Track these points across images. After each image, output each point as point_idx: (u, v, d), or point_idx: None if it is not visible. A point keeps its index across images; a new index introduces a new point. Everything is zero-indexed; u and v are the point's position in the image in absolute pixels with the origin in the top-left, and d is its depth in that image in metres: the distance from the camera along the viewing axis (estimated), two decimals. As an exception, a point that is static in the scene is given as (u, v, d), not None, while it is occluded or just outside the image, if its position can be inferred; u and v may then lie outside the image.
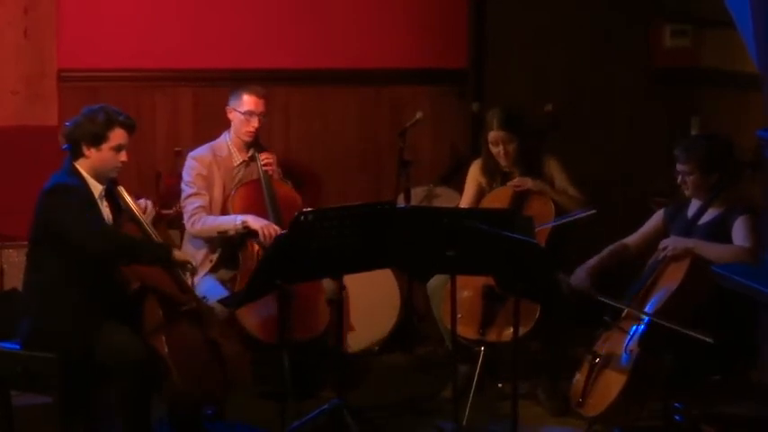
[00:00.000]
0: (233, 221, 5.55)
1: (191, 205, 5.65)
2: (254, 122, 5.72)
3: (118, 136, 4.78)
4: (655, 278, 4.94)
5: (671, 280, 4.85)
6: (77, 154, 4.77)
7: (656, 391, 4.81)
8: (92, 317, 4.69)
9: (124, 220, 4.89)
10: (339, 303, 5.28)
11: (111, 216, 4.86)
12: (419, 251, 4.90)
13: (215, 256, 5.67)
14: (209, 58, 6.48)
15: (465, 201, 5.83)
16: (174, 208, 5.87)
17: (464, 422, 5.27)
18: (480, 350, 5.46)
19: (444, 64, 6.80)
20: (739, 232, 4.88)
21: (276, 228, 5.48)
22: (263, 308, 5.32)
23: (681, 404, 4.82)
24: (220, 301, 5.05)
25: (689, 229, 5.01)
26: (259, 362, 5.27)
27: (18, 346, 4.71)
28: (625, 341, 4.83)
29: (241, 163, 5.80)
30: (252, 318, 5.39)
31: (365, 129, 6.74)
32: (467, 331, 5.37)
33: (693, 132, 6.54)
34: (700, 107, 6.76)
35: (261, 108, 5.72)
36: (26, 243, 4.84)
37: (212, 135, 5.87)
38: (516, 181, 5.62)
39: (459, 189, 6.03)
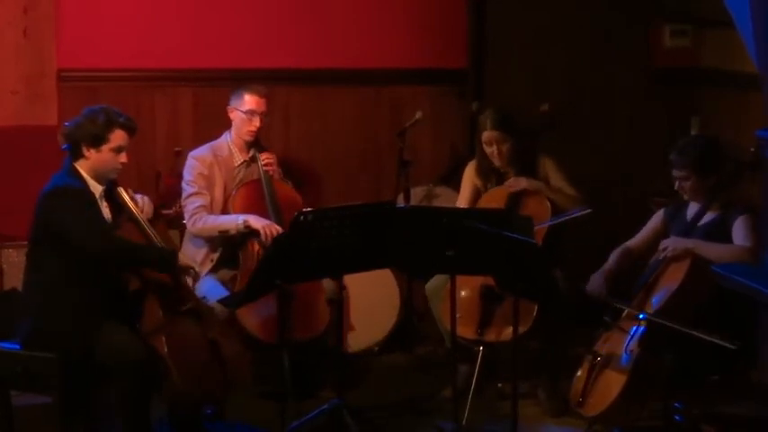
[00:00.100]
0: (235, 221, 5.55)
1: (192, 204, 5.65)
2: (256, 122, 5.72)
3: (118, 137, 4.78)
4: (655, 278, 4.94)
5: (671, 280, 4.85)
6: (77, 155, 4.77)
7: (657, 392, 4.81)
8: (92, 317, 4.69)
9: (123, 220, 4.89)
10: (339, 303, 5.28)
11: (110, 217, 4.86)
12: (419, 251, 4.90)
13: (215, 256, 5.67)
14: (209, 58, 6.48)
15: (461, 202, 5.82)
16: (174, 208, 5.88)
17: (464, 422, 5.27)
18: (479, 350, 5.46)
19: (444, 64, 6.80)
20: (739, 232, 4.87)
21: (278, 228, 5.48)
22: (263, 308, 5.32)
23: (681, 404, 4.82)
24: (220, 301, 5.04)
25: (688, 230, 5.01)
26: (259, 362, 5.27)
27: (18, 346, 4.71)
28: (625, 341, 4.83)
29: (242, 163, 5.80)
30: (252, 318, 5.39)
31: (365, 129, 6.74)
32: (465, 331, 5.37)
33: (693, 132, 6.54)
34: (700, 107, 6.76)
35: (262, 107, 5.73)
36: (26, 243, 4.84)
37: (212, 135, 5.87)
38: (511, 181, 5.62)
39: (459, 189, 6.03)
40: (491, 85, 6.75)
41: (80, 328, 4.66)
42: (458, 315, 5.09)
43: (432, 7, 6.75)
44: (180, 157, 5.97)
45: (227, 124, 5.81)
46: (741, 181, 5.03)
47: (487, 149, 5.67)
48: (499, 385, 5.67)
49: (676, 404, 4.82)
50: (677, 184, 5.04)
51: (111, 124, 4.76)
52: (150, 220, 4.95)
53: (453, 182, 6.50)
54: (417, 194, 6.49)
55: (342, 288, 5.21)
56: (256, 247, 5.53)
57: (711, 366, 4.79)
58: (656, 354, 4.75)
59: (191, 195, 5.67)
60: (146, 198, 5.02)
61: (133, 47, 6.38)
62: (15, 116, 6.24)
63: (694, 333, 4.57)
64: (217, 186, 5.71)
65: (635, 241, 5.26)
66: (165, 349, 4.71)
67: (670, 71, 6.91)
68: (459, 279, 5.13)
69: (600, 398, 4.84)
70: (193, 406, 4.94)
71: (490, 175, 5.74)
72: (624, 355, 4.81)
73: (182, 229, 5.85)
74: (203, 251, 5.67)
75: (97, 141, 4.75)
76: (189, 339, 4.84)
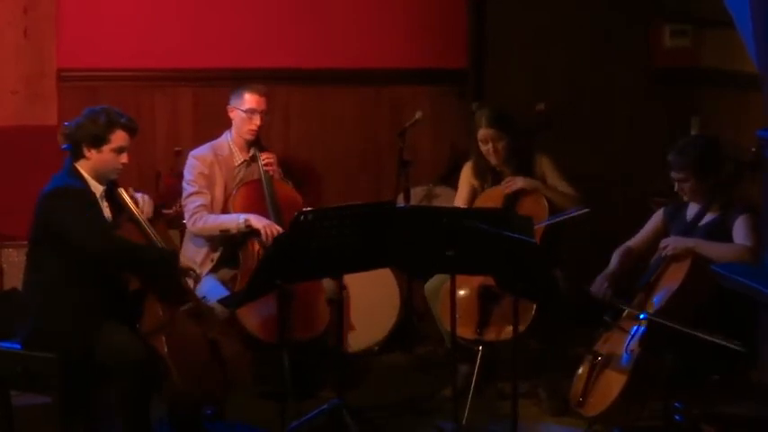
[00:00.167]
0: (236, 220, 5.55)
1: (192, 204, 5.65)
2: (257, 120, 5.73)
3: (119, 138, 4.78)
4: (656, 278, 4.94)
5: (672, 280, 4.85)
6: (78, 155, 4.77)
7: (657, 391, 4.80)
8: (92, 317, 4.69)
9: (123, 220, 4.89)
10: (339, 303, 5.29)
11: (111, 217, 4.85)
12: (419, 251, 4.90)
13: (216, 256, 5.68)
14: (210, 57, 6.48)
15: (458, 203, 5.81)
16: (174, 208, 5.88)
17: (464, 422, 5.27)
18: (478, 350, 5.47)
19: (444, 64, 6.80)
20: (740, 231, 4.87)
21: (278, 228, 5.48)
22: (263, 308, 5.32)
23: (681, 404, 4.82)
24: (220, 301, 5.04)
25: (689, 230, 5.00)
26: (259, 362, 5.27)
27: (18, 346, 4.71)
28: (626, 341, 4.83)
29: (242, 162, 5.80)
30: (252, 318, 5.39)
31: (365, 129, 6.74)
32: (464, 331, 5.37)
33: (693, 132, 6.54)
34: (700, 107, 6.76)
35: (263, 106, 5.73)
36: (26, 243, 4.84)
37: (212, 135, 5.87)
38: (507, 181, 5.62)
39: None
40: (491, 85, 6.75)
41: (80, 328, 4.66)
42: (457, 315, 5.09)
43: (432, 7, 6.75)
44: (180, 157, 5.97)
45: (227, 124, 5.81)
46: (741, 181, 5.02)
47: (483, 147, 5.67)
48: (499, 385, 5.67)
49: (676, 404, 4.82)
50: (677, 185, 5.04)
51: (112, 125, 4.76)
52: (150, 220, 4.95)
53: (453, 182, 6.47)
54: (417, 194, 6.49)
55: (342, 288, 5.21)
56: (257, 246, 5.53)
57: (711, 366, 4.79)
58: (656, 354, 4.75)
59: (191, 194, 5.67)
60: (146, 197, 5.02)
61: (133, 47, 6.38)
62: (15, 116, 6.24)
63: (698, 334, 4.56)
64: (217, 186, 5.71)
65: (635, 241, 5.26)
66: (165, 349, 4.71)
67: (670, 71, 6.91)
68: (458, 279, 5.12)
69: (600, 398, 4.84)
70: (193, 406, 4.94)
71: (486, 174, 5.74)
72: (624, 354, 4.81)
73: (182, 229, 5.85)
74: (203, 251, 5.67)
75: (98, 142, 4.75)
76: (189, 339, 4.84)
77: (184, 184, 5.71)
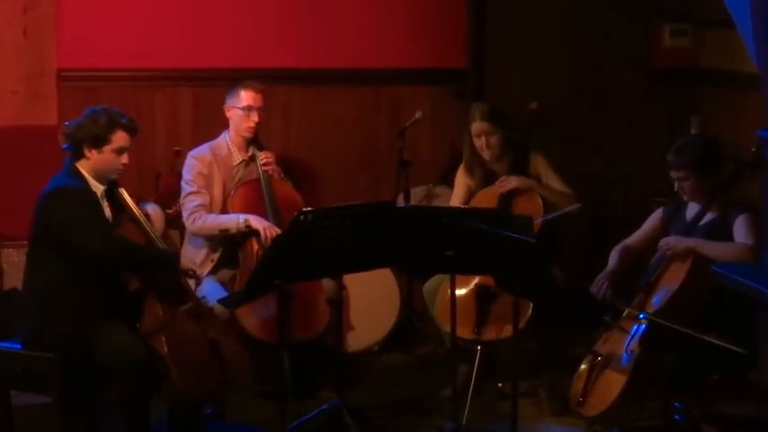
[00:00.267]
0: (236, 219, 5.56)
1: (191, 203, 5.65)
2: (254, 117, 5.73)
3: (120, 138, 4.78)
4: (656, 278, 4.94)
5: (672, 280, 4.85)
6: (78, 155, 4.77)
7: (657, 391, 4.81)
8: (92, 317, 4.69)
9: (124, 220, 4.89)
10: (339, 303, 5.29)
11: (111, 217, 4.85)
12: (419, 251, 4.90)
13: (216, 256, 5.67)
14: (209, 57, 6.48)
15: (454, 203, 5.81)
16: (174, 207, 5.88)
17: (464, 422, 5.27)
18: (477, 350, 5.46)
19: (444, 64, 6.80)
20: (740, 230, 4.86)
21: (278, 230, 5.48)
22: (262, 308, 5.32)
23: (681, 404, 4.82)
24: (220, 301, 5.04)
25: (689, 230, 4.99)
26: (259, 362, 5.26)
27: (18, 346, 4.71)
28: (626, 341, 4.83)
29: (240, 162, 5.80)
30: (252, 318, 5.39)
31: (365, 129, 6.74)
32: (463, 331, 5.36)
33: (693, 132, 6.54)
34: (699, 107, 6.76)
35: (259, 102, 5.73)
36: (26, 243, 4.84)
37: (212, 135, 5.88)
38: (501, 180, 5.62)
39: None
40: (491, 85, 6.75)
41: (80, 328, 4.66)
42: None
43: (432, 7, 6.75)
44: (180, 157, 5.97)
45: (226, 124, 5.81)
46: (741, 181, 5.02)
47: (477, 142, 5.68)
48: (499, 385, 5.66)
49: (676, 404, 4.82)
50: (677, 185, 5.03)
51: (112, 125, 4.76)
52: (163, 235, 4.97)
53: (453, 182, 6.47)
54: (417, 194, 6.49)
55: (341, 288, 5.21)
56: (255, 246, 5.53)
57: (711, 366, 4.79)
58: (656, 354, 4.75)
59: (189, 194, 5.67)
60: (158, 209, 5.03)
61: (133, 47, 6.38)
62: (15, 116, 6.24)
63: (696, 335, 4.56)
64: (216, 186, 5.71)
65: (633, 239, 5.25)
66: (165, 349, 4.71)
67: (670, 71, 6.91)
68: (456, 279, 5.12)
69: (600, 398, 4.84)
70: (193, 406, 4.94)
71: (476, 168, 5.73)
72: (624, 354, 4.81)
73: (182, 229, 5.85)
74: (203, 252, 5.67)
75: (99, 142, 4.75)
76: (189, 339, 4.85)
77: (183, 184, 5.71)
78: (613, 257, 5.16)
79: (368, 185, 6.70)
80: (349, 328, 6.11)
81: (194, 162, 5.71)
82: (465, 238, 4.70)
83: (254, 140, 5.79)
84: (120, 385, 4.61)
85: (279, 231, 5.45)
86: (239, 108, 5.72)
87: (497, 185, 5.63)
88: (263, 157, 5.74)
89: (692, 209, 5.09)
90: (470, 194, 5.77)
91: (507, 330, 5.28)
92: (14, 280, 5.78)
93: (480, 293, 5.41)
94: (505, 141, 5.66)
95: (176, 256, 4.90)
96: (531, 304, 5.26)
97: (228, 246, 5.65)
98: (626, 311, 4.95)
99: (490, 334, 5.39)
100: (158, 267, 4.82)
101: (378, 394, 5.75)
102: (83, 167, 4.77)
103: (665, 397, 4.82)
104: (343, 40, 6.65)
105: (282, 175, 5.92)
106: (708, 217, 5.00)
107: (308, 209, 4.77)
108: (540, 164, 5.69)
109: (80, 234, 4.62)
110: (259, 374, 5.24)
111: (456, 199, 5.83)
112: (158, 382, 4.71)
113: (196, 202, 5.64)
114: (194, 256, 5.64)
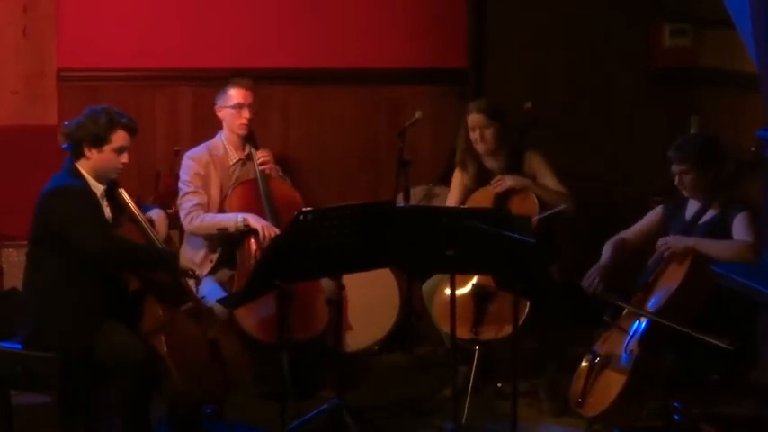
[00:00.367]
0: (234, 219, 5.56)
1: (188, 203, 5.65)
2: (246, 114, 5.73)
3: (120, 138, 4.78)
4: (655, 277, 4.94)
5: (671, 279, 4.85)
6: (78, 154, 4.77)
7: (657, 391, 4.81)
8: (92, 317, 4.69)
9: (124, 219, 4.89)
10: (338, 303, 5.29)
11: (111, 216, 4.86)
12: (419, 251, 4.90)
13: (215, 256, 5.67)
14: (209, 57, 6.48)
15: (450, 204, 5.81)
16: (174, 207, 5.87)
17: (463, 421, 5.27)
18: (475, 349, 5.47)
19: (444, 64, 6.80)
20: (740, 228, 4.86)
21: (276, 230, 5.48)
22: (262, 308, 5.32)
23: (681, 404, 4.82)
24: (219, 301, 5.04)
25: (688, 229, 5.00)
26: (259, 362, 5.26)
27: (18, 346, 4.71)
28: (625, 341, 4.83)
29: (237, 161, 5.80)
30: (251, 318, 5.39)
31: (365, 129, 6.74)
32: (461, 331, 5.34)
33: (693, 132, 6.54)
34: (699, 107, 6.76)
35: (249, 99, 5.74)
36: (26, 243, 4.84)
37: (211, 135, 5.88)
38: (497, 180, 5.62)
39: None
40: (491, 85, 6.75)
41: (80, 328, 4.66)
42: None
43: (432, 7, 6.75)
44: (179, 157, 5.97)
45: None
46: (742, 180, 5.02)
47: (472, 135, 5.69)
48: (499, 385, 5.67)
49: (676, 404, 4.82)
50: (677, 179, 5.03)
51: (112, 125, 4.77)
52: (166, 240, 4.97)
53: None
54: (417, 194, 6.49)
55: (341, 288, 5.20)
56: (254, 247, 5.53)
57: (711, 366, 4.79)
58: (655, 353, 4.75)
59: (187, 194, 5.67)
60: (162, 215, 5.03)
61: (133, 47, 6.38)
62: (15, 116, 6.24)
63: (694, 333, 4.56)
64: (213, 186, 5.71)
65: (630, 233, 5.25)
66: (165, 349, 4.71)
67: (670, 71, 6.91)
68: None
69: (600, 398, 4.84)
70: (193, 406, 4.94)
71: (469, 163, 5.73)
72: (624, 354, 4.81)
73: (181, 229, 5.84)
74: (202, 252, 5.67)
75: (99, 142, 4.75)
76: (189, 339, 4.85)
77: (180, 185, 5.71)
78: (606, 251, 5.15)
79: (368, 185, 6.70)
80: (348, 327, 6.11)
81: (191, 163, 5.71)
82: (465, 238, 4.71)
83: (250, 138, 5.79)
84: (120, 385, 4.62)
85: (277, 231, 5.45)
86: (230, 107, 5.73)
87: (493, 185, 5.63)
88: (259, 155, 5.74)
89: (691, 208, 5.09)
90: (467, 193, 5.77)
91: (505, 330, 5.29)
92: (14, 280, 5.78)
93: (477, 293, 5.41)
94: (501, 137, 5.66)
95: (176, 256, 4.90)
96: (528, 303, 5.26)
97: (227, 246, 5.65)
98: (625, 311, 4.94)
99: (488, 334, 5.39)
100: (158, 267, 4.82)
101: (378, 394, 5.75)
102: (83, 167, 4.77)
103: (664, 397, 4.83)
104: (343, 40, 6.65)
105: (281, 174, 5.91)
106: (708, 215, 5.00)
107: (308, 209, 4.77)
108: (535, 162, 5.70)
109: (80, 234, 4.62)
110: (259, 374, 5.23)
111: (452, 198, 5.83)
112: (158, 382, 4.71)
113: (194, 202, 5.64)
114: (193, 256, 5.64)
